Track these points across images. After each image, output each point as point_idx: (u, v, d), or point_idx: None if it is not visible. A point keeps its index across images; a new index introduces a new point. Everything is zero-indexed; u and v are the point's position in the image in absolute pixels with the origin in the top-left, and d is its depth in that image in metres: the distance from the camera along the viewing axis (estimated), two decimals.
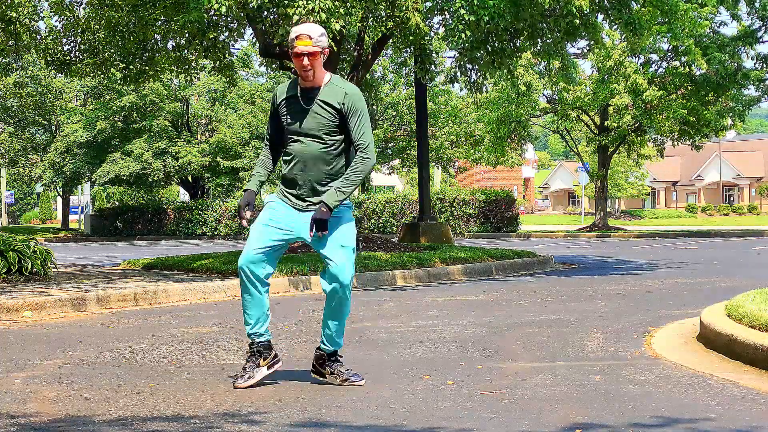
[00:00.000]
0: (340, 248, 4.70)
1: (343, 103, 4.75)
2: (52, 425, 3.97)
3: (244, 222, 4.85)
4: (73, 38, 15.17)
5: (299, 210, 4.80)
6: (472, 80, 14.63)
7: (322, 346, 4.87)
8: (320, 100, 4.75)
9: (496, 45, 13.48)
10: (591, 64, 31.32)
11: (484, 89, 15.11)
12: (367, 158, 4.76)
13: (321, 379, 4.85)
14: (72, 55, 15.20)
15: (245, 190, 4.87)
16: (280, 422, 3.97)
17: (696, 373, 4.98)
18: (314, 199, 4.77)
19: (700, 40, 28.10)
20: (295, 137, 4.79)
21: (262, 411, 4.19)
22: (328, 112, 4.74)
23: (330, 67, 14.13)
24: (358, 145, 4.76)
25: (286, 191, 4.85)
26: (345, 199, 4.72)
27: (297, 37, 4.69)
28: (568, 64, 16.02)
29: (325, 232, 4.68)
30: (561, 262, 15.86)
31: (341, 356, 4.92)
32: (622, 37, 14.88)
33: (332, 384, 4.79)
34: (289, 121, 4.81)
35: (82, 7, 14.99)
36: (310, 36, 4.68)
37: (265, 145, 5.01)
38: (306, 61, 4.67)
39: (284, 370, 5.10)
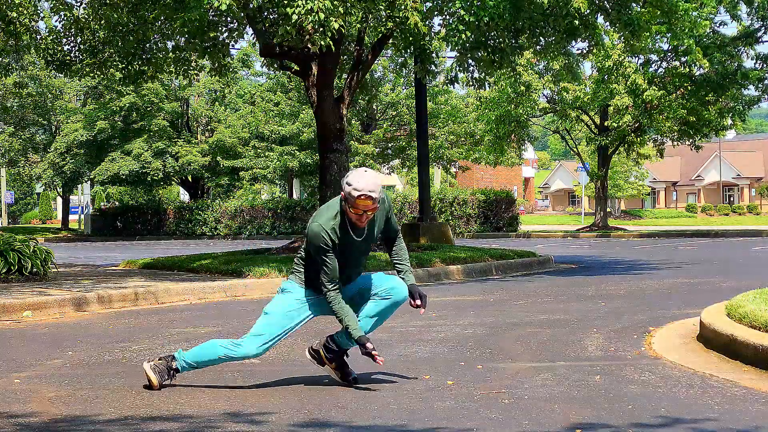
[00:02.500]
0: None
1: (384, 213, 4.98)
2: (52, 425, 3.98)
3: (380, 361, 4.75)
4: (72, 38, 15.17)
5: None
6: (474, 76, 14.62)
7: (341, 340, 4.85)
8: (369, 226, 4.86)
9: (497, 44, 13.48)
10: (591, 64, 31.32)
11: (486, 85, 15.07)
12: (401, 237, 5.16)
13: (315, 363, 4.92)
14: (72, 55, 15.20)
15: (362, 338, 4.74)
16: (281, 422, 3.97)
17: (696, 373, 4.98)
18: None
19: (700, 40, 28.08)
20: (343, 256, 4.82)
21: (263, 411, 4.19)
22: (377, 228, 4.93)
23: (330, 67, 14.14)
24: (398, 231, 5.10)
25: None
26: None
27: (359, 197, 4.67)
28: (572, 61, 15.99)
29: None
30: (561, 262, 15.86)
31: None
32: (621, 37, 14.83)
33: (331, 379, 4.79)
34: (342, 247, 4.80)
35: (81, 7, 14.99)
36: (371, 198, 4.67)
37: (335, 288, 4.76)
38: (365, 217, 4.75)
39: (284, 369, 5.10)
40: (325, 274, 4.71)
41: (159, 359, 4.79)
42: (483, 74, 14.46)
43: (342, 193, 4.73)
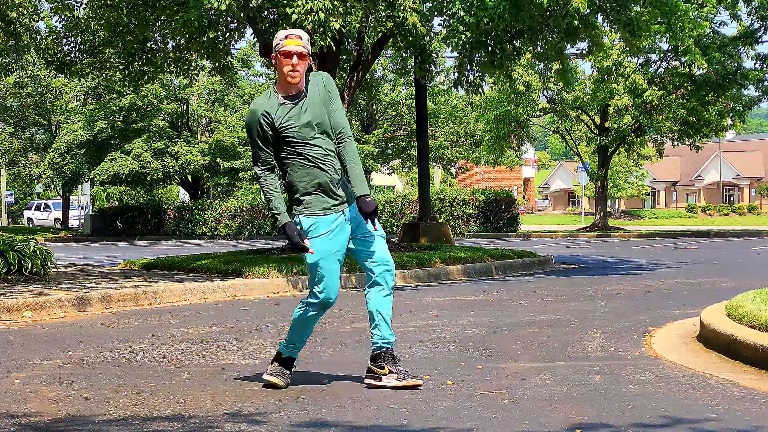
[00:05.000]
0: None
1: (324, 86, 4.70)
2: (52, 425, 3.98)
3: (312, 251, 4.63)
4: (73, 38, 15.17)
5: (340, 212, 4.70)
6: (470, 81, 14.63)
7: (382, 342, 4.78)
8: (310, 98, 4.66)
9: (496, 46, 13.48)
10: (591, 64, 31.31)
11: (481, 90, 15.08)
12: (351, 138, 4.77)
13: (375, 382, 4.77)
14: (72, 55, 15.20)
15: (285, 226, 4.63)
16: (282, 422, 3.97)
17: (696, 373, 4.98)
18: (343, 194, 4.70)
19: (700, 40, 28.08)
20: (305, 143, 4.64)
21: (263, 411, 4.19)
22: (320, 106, 4.67)
23: (330, 67, 14.13)
24: (344, 130, 4.72)
25: (325, 199, 4.67)
26: None
27: (286, 37, 4.61)
28: (566, 67, 15.98)
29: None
30: (561, 262, 15.85)
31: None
32: (620, 38, 14.83)
33: (331, 379, 4.79)
34: (292, 130, 4.62)
35: (82, 7, 14.99)
36: (300, 36, 4.61)
37: (264, 169, 4.70)
38: (295, 60, 4.57)
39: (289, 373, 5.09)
40: (256, 155, 4.64)
41: (271, 365, 4.82)
42: (479, 78, 14.47)
43: (272, 56, 4.64)
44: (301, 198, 4.68)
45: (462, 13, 12.38)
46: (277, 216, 4.66)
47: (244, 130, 39.93)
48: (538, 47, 14.26)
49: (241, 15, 12.88)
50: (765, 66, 29.79)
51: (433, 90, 36.54)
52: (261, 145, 4.67)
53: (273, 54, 4.66)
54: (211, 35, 13.14)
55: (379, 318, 4.76)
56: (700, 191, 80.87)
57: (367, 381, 4.75)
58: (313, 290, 4.72)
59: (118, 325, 7.62)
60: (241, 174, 40.13)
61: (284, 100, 4.64)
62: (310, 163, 4.64)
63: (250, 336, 6.74)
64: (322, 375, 5.02)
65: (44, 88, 41.85)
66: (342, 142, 4.71)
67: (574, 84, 29.59)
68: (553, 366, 5.26)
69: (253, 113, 4.66)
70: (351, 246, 4.78)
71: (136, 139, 39.39)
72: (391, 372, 4.69)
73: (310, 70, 4.82)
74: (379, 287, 4.77)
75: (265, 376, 4.74)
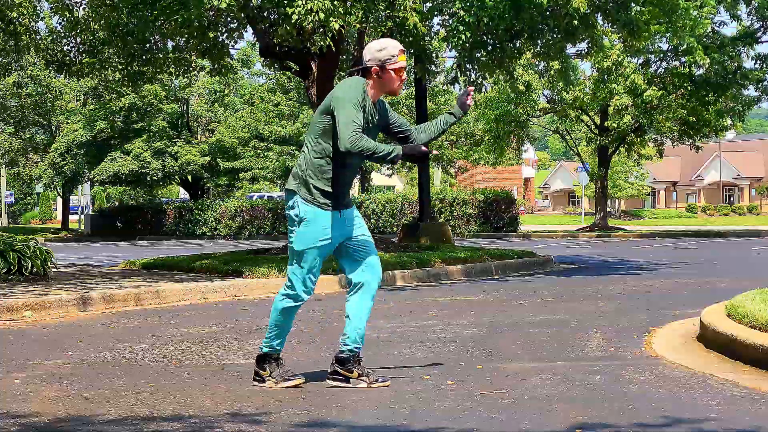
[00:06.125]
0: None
1: (383, 105, 4.90)
2: (52, 425, 3.98)
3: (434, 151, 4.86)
4: (72, 38, 15.17)
5: (340, 212, 4.81)
6: (472, 80, 14.63)
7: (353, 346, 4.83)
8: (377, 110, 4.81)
9: (496, 45, 13.48)
10: (590, 64, 31.31)
11: (483, 89, 15.08)
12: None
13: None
14: (72, 55, 15.20)
15: (403, 150, 4.72)
16: (282, 422, 3.97)
17: (696, 373, 4.98)
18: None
19: (700, 40, 28.08)
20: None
21: (264, 411, 4.19)
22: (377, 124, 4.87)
23: (330, 67, 14.14)
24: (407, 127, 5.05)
25: (336, 199, 4.76)
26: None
27: (399, 53, 4.69)
28: (567, 66, 15.99)
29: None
30: (561, 262, 15.85)
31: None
32: (620, 38, 14.83)
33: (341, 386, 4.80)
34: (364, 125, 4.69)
35: (81, 7, 14.99)
36: (404, 51, 4.73)
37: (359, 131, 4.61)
38: (404, 75, 4.72)
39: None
40: (353, 118, 4.55)
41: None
42: (480, 77, 14.46)
43: (373, 67, 4.67)
44: (317, 188, 4.73)
45: (462, 13, 12.38)
46: (391, 152, 4.63)
47: (243, 129, 39.48)
48: (539, 46, 14.25)
49: (241, 15, 12.88)
50: (765, 66, 29.79)
51: (433, 90, 36.53)
52: (360, 114, 4.62)
53: (376, 67, 4.68)
54: (211, 35, 13.13)
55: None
56: (700, 191, 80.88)
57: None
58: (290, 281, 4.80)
59: (118, 325, 7.62)
60: (241, 174, 40.12)
61: (370, 100, 4.75)
62: (342, 165, 4.75)
63: (250, 336, 6.74)
64: (322, 375, 5.02)
65: (44, 89, 41.87)
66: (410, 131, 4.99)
67: (575, 82, 29.60)
68: (553, 366, 5.26)
69: (360, 82, 4.69)
70: (343, 247, 4.85)
71: (136, 139, 39.40)
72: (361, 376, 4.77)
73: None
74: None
75: (267, 385, 4.78)
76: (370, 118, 4.73)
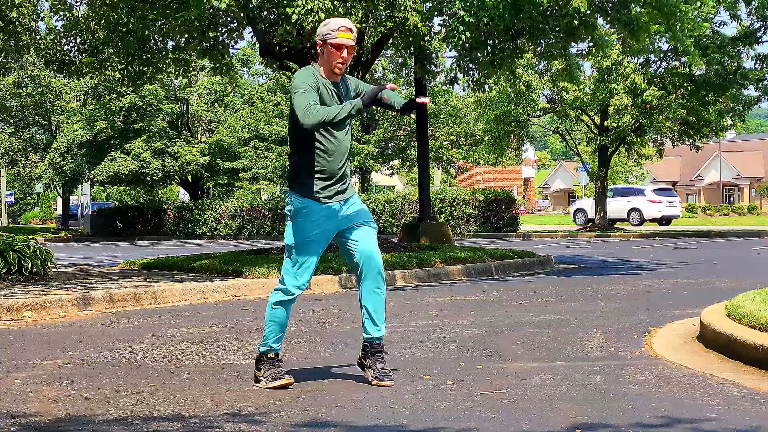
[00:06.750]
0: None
1: (356, 84, 4.91)
2: (52, 425, 3.98)
3: (393, 86, 4.82)
4: (72, 38, 15.17)
5: (340, 203, 4.81)
6: (474, 79, 14.62)
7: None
8: (346, 92, 4.79)
9: (497, 45, 13.47)
10: (591, 64, 31.29)
11: (486, 88, 15.06)
12: None
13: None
14: (71, 55, 15.20)
15: (363, 101, 4.65)
16: (282, 422, 3.97)
17: (696, 373, 4.98)
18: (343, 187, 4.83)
19: (700, 41, 28.08)
20: (329, 130, 4.72)
21: (263, 411, 4.19)
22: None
23: None
24: None
25: (327, 188, 4.77)
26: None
27: (338, 29, 4.69)
28: (571, 64, 15.96)
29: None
30: (561, 262, 15.85)
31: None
32: (620, 38, 14.81)
33: (331, 379, 4.80)
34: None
35: (81, 6, 14.99)
36: (351, 30, 4.70)
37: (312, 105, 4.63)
38: (346, 53, 4.69)
39: (285, 370, 5.09)
40: (306, 100, 4.57)
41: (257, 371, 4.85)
42: (482, 76, 14.45)
43: (317, 44, 4.71)
44: (305, 180, 4.75)
45: (462, 13, 12.37)
46: (351, 107, 4.59)
47: (243, 129, 39.40)
48: (542, 46, 14.24)
49: (241, 15, 12.88)
50: (765, 66, 29.78)
51: (433, 90, 36.53)
52: (313, 94, 4.61)
53: (319, 41, 4.72)
54: (211, 35, 13.13)
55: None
56: (700, 191, 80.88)
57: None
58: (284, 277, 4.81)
59: (118, 325, 7.62)
60: (241, 174, 40.11)
61: (326, 80, 4.74)
62: (322, 151, 4.73)
63: (250, 336, 6.74)
64: (322, 375, 5.02)
65: (44, 88, 41.86)
66: None
67: (579, 79, 29.59)
68: (553, 366, 5.26)
69: (307, 68, 4.73)
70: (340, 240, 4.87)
71: (136, 139, 39.39)
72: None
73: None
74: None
75: (261, 386, 4.78)
76: (332, 96, 4.72)
